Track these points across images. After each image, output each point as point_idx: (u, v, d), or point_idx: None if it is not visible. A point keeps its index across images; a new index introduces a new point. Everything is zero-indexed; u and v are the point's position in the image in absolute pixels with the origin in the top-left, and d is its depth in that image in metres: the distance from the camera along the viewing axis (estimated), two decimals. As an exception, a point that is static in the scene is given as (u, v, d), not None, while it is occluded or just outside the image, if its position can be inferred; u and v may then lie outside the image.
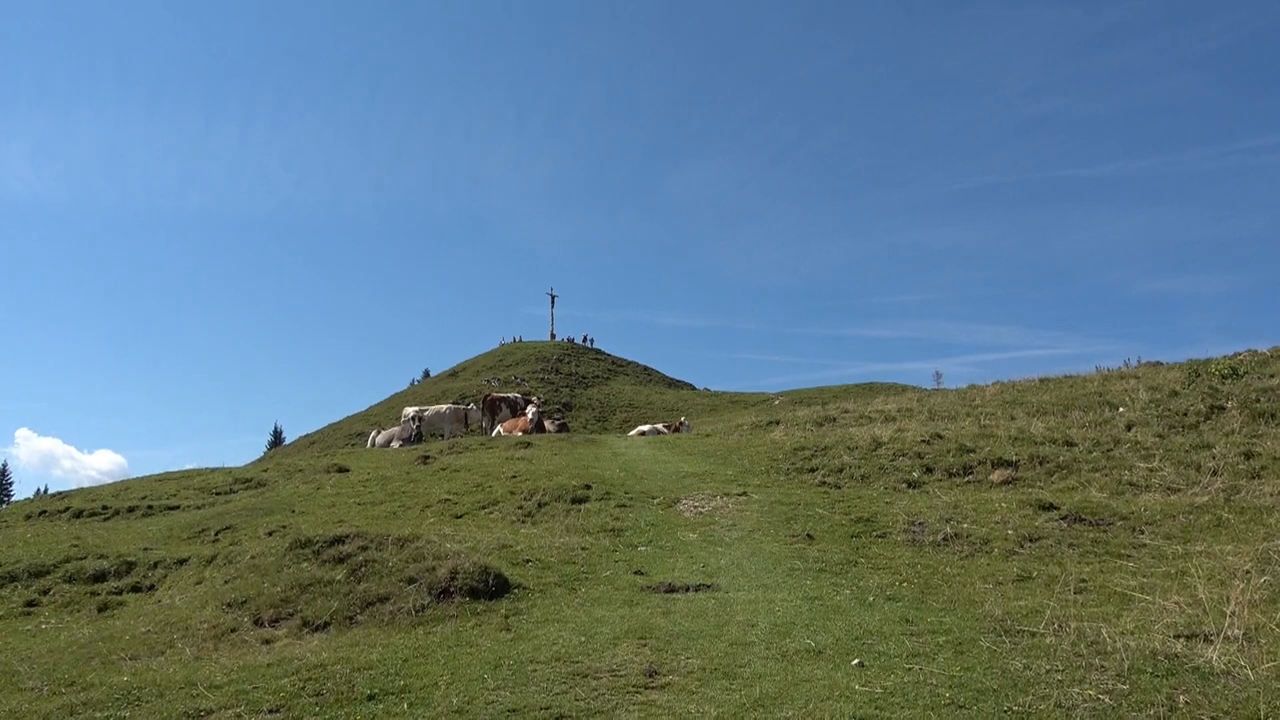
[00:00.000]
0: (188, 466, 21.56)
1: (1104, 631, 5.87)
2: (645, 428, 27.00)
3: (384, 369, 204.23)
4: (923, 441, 13.93)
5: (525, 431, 23.29)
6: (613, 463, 15.59)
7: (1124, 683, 5.02)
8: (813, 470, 13.68)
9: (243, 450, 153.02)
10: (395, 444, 25.22)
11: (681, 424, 27.95)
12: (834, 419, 18.95)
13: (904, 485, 12.21)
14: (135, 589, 10.19)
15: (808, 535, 9.82)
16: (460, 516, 11.87)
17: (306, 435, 63.59)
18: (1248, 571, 7.04)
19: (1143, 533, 8.95)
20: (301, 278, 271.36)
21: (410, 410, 27.63)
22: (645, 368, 79.54)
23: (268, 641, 7.33)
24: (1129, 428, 13.49)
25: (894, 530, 9.79)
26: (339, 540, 9.18)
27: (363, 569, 8.45)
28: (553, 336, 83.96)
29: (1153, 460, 11.60)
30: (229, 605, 8.20)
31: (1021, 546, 8.75)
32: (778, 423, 19.67)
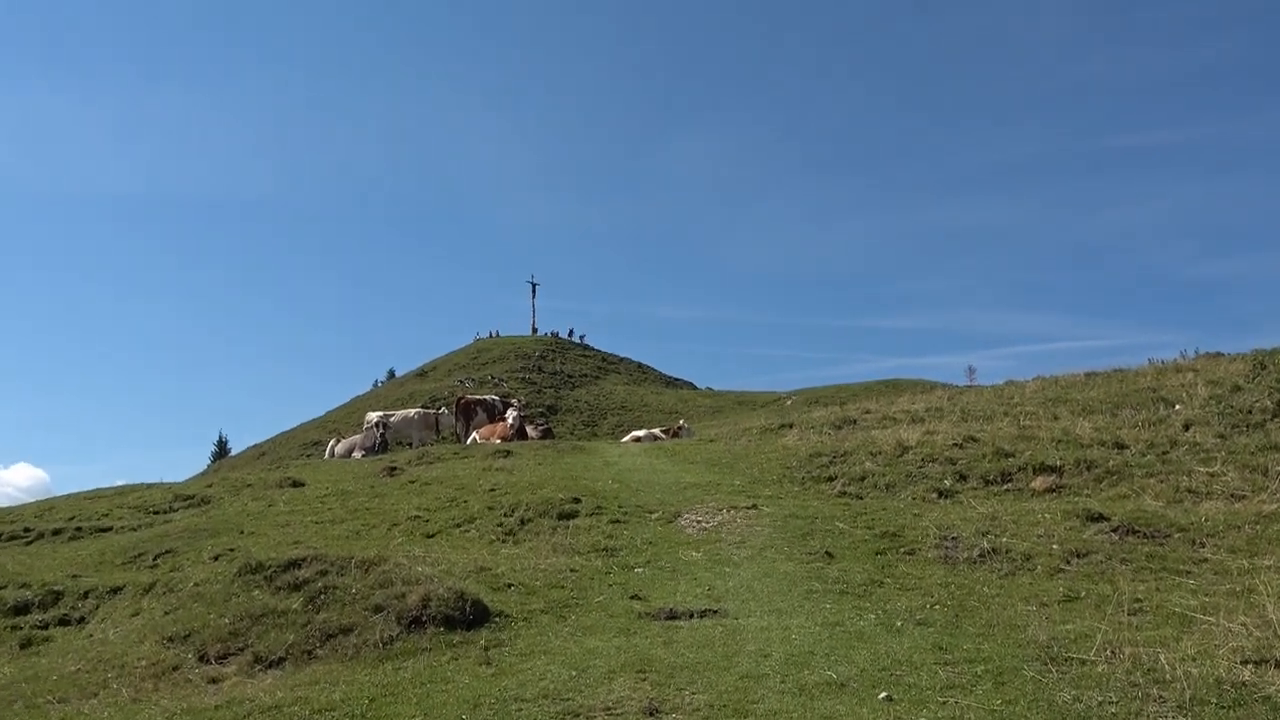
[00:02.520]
0: (120, 482, 21.52)
1: (1162, 658, 5.89)
2: (641, 433, 27.01)
3: (343, 369, 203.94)
4: (955, 445, 13.97)
5: (505, 438, 23.30)
6: (604, 473, 15.59)
7: (1186, 715, 5.04)
8: (831, 479, 13.71)
9: (183, 463, 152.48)
10: (357, 454, 25.26)
11: (681, 428, 27.99)
12: (854, 421, 18.98)
13: (934, 495, 12.24)
14: (63, 622, 10.16)
15: (826, 553, 9.84)
16: (432, 536, 11.87)
17: (255, 445, 63.52)
18: (1323, 588, 7.07)
19: (1204, 546, 8.98)
20: (248, 267, 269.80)
21: (374, 416, 27.68)
22: (640, 365, 79.74)
23: (214, 680, 7.32)
24: (1187, 427, 13.54)
25: (924, 546, 9.81)
26: (295, 564, 9.17)
27: (322, 596, 8.44)
28: (534, 331, 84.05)
29: (1214, 464, 11.64)
30: (170, 640, 8.18)
31: (1068, 563, 8.78)
32: (790, 426, 19.66)
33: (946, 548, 9.65)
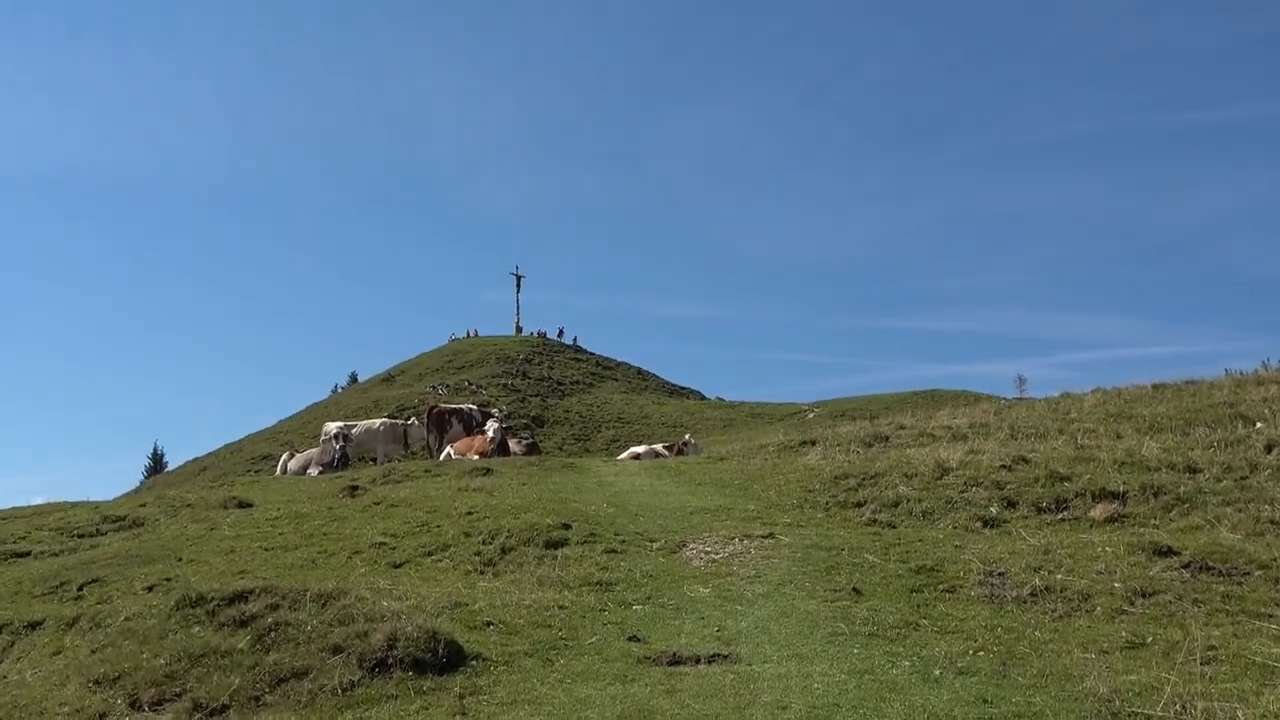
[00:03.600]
0: (38, 500, 21.50)
1: (1240, 715, 5.88)
2: (640, 449, 27.06)
3: (298, 373, 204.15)
4: (1003, 467, 13.97)
5: (484, 454, 23.32)
6: (598, 494, 15.63)
7: (1267, 781, 5.03)
8: (860, 505, 13.74)
9: (112, 479, 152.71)
10: (313, 470, 25.25)
11: (687, 444, 28.03)
12: (886, 438, 19.01)
13: (978, 524, 12.25)
14: (-28, 662, 10.11)
15: (854, 589, 9.85)
16: (400, 565, 11.87)
17: (195, 459, 63.60)
18: None
19: (1289, 585, 8.94)
20: (186, 254, 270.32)
21: (333, 427, 27.62)
22: (639, 370, 80.00)
23: (148, 730, 7.29)
24: (1269, 449, 13.53)
25: (966, 583, 9.82)
26: (241, 597, 9.16)
27: (273, 634, 8.44)
28: (519, 330, 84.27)
29: (1301, 491, 11.63)
30: (97, 683, 8.17)
31: (1132, 603, 8.76)
32: (813, 442, 19.67)
33: (992, 585, 9.66)
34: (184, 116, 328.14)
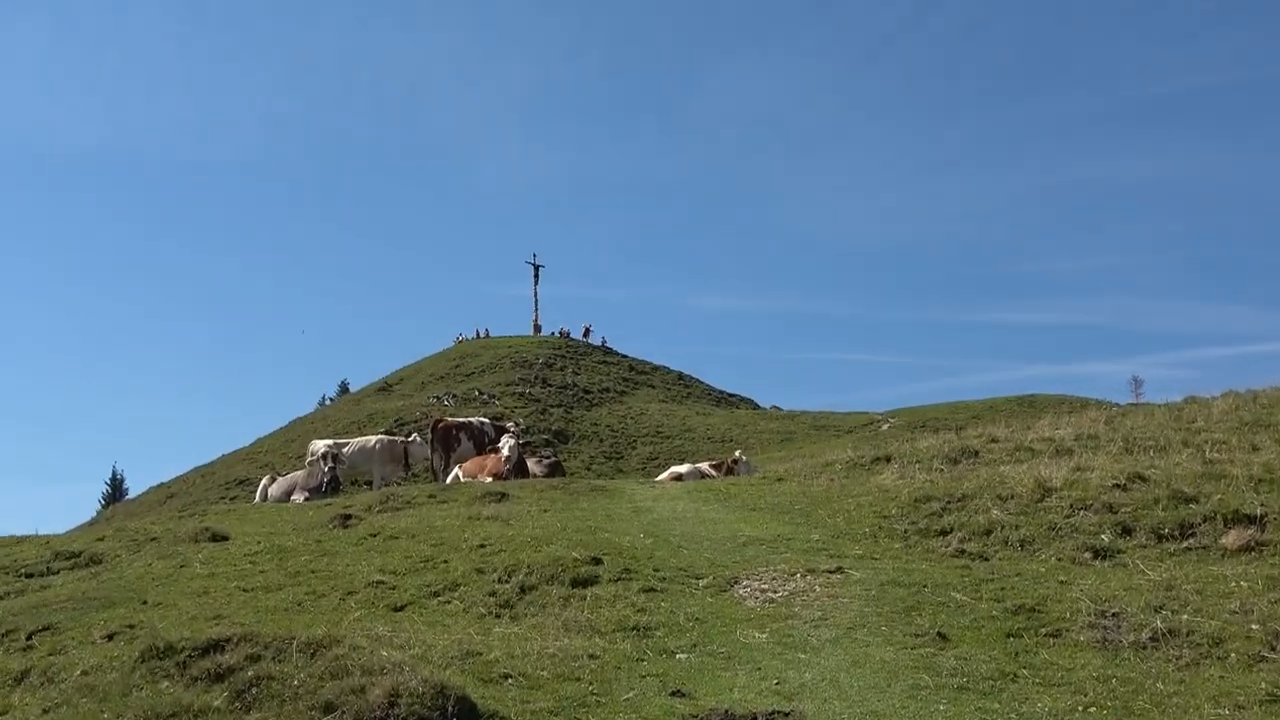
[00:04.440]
0: (-18, 534, 21.56)
1: None
2: (683, 468, 26.95)
3: (280, 383, 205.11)
4: (1116, 486, 13.84)
5: (498, 476, 23.32)
6: (634, 523, 15.60)
7: None
8: (944, 533, 13.67)
9: (65, 508, 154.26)
10: (298, 497, 25.24)
11: (737, 462, 27.89)
12: (975, 453, 18.85)
13: (1087, 554, 12.15)
14: (-93, 723, 10.20)
15: (939, 634, 9.79)
16: (401, 608, 11.90)
17: (161, 485, 64.19)
18: None
19: None
20: (148, 243, 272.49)
21: (320, 445, 27.69)
22: (681, 376, 79.93)
23: (111, 802, 7.32)
24: None
25: (1073, 625, 9.74)
26: (216, 646, 9.20)
27: (253, 690, 8.48)
28: (537, 330, 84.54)
29: None
30: (51, 747, 8.21)
31: (1272, 648, 8.66)
32: (888, 459, 19.55)
33: (1104, 628, 9.58)
34: (139, 84, 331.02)
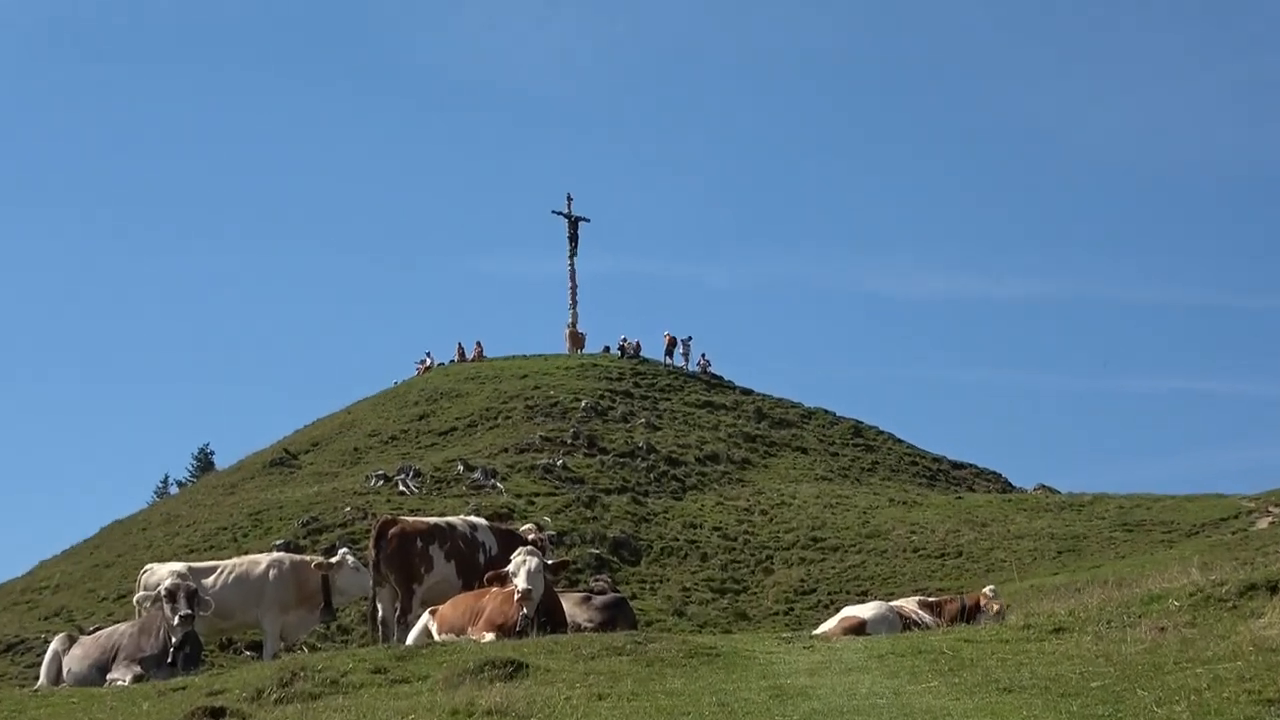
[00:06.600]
0: None
1: None
2: (868, 610, 19.57)
3: (91, 459, 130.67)
4: None
5: (507, 628, 16.36)
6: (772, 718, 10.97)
7: None
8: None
9: None
10: (122, 674, 18.22)
11: (985, 602, 20.59)
12: None
13: None
14: None
15: None
16: None
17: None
18: None
19: None
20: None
21: (163, 572, 20.00)
22: (856, 427, 54.93)
23: None
24: None
25: None
26: None
27: None
28: (576, 342, 58.75)
29: None
30: None
31: None
32: (1274, 588, 14.81)
33: None
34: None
